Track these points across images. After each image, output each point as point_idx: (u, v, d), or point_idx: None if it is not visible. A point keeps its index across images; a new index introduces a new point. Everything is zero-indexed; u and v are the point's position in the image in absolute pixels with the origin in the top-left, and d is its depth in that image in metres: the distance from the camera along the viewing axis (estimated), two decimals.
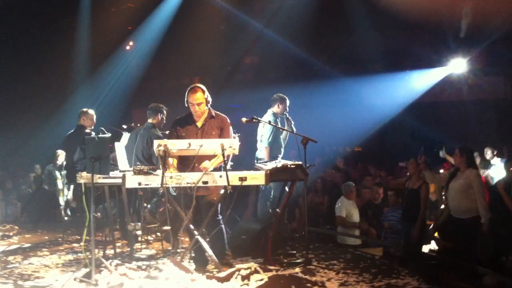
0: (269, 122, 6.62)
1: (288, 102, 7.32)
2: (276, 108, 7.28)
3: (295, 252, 6.37)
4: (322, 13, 12.32)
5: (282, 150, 7.28)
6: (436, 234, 7.52)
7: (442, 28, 12.40)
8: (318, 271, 5.54)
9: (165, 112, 7.28)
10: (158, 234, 7.21)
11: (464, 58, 12.96)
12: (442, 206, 7.87)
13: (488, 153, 9.27)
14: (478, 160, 8.24)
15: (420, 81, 13.59)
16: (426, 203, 7.28)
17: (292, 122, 7.28)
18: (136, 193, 6.55)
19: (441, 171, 8.65)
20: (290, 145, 7.25)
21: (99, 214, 6.49)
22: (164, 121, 7.26)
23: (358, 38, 13.13)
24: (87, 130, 7.42)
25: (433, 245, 7.50)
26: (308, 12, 12.13)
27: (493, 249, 6.68)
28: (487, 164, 9.20)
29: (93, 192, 5.05)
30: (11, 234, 8.34)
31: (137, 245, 6.71)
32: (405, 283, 5.10)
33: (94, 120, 7.70)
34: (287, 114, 7.30)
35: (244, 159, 6.86)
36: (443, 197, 7.73)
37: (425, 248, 7.45)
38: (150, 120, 7.15)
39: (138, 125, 7.43)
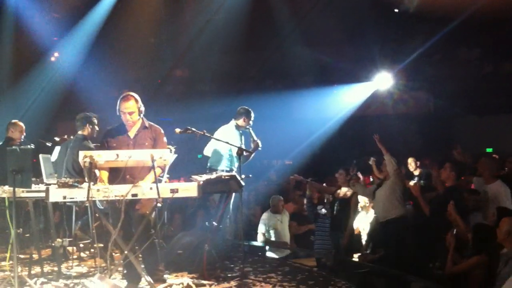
0: (204, 133, 6.36)
1: (253, 115, 7.24)
2: (241, 122, 7.16)
3: (232, 266, 6.30)
4: (252, 26, 12.43)
5: (236, 163, 6.89)
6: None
7: (368, 43, 12.83)
8: (255, 284, 5.50)
9: (95, 121, 6.98)
10: (92, 250, 6.92)
11: (389, 73, 13.42)
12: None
13: (412, 164, 9.59)
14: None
15: (349, 96, 13.95)
16: (355, 213, 7.46)
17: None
18: (66, 208, 6.28)
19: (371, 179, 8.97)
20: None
21: (21, 229, 6.14)
22: (97, 129, 6.98)
23: (288, 52, 13.33)
24: (17, 143, 7.06)
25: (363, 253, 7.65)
26: (238, 25, 12.20)
27: (420, 255, 6.89)
28: (410, 175, 9.52)
29: (14, 206, 4.79)
30: None
31: (69, 263, 6.42)
32: None
33: (24, 132, 7.36)
34: (251, 128, 7.22)
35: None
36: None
37: (356, 257, 7.60)
38: (80, 132, 6.87)
39: (72, 137, 7.10)
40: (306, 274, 6.06)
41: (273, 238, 8.55)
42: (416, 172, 9.50)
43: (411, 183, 7.82)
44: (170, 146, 5.57)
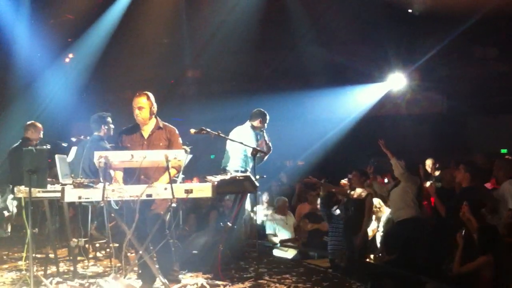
0: (219, 134, 6.35)
1: (268, 118, 7.23)
2: (257, 123, 7.13)
3: (247, 266, 6.30)
4: (265, 26, 12.43)
5: (251, 163, 6.84)
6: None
7: (381, 43, 12.77)
8: (269, 285, 5.49)
9: (110, 120, 7.04)
10: (108, 250, 6.96)
11: (403, 73, 13.35)
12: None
13: (430, 166, 9.52)
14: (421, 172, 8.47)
15: (362, 96, 13.89)
16: (370, 214, 7.44)
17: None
18: (82, 208, 6.33)
19: (385, 180, 8.93)
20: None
21: (36, 229, 6.20)
22: (112, 127, 7.01)
23: (301, 52, 13.31)
24: (33, 143, 7.15)
25: (377, 254, 7.62)
26: (252, 25, 12.20)
27: (433, 256, 6.85)
28: (428, 176, 9.45)
29: (30, 206, 4.83)
30: None
31: (85, 262, 6.48)
32: None
33: (41, 133, 7.45)
34: (265, 131, 7.21)
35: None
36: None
37: (370, 258, 7.58)
38: (96, 133, 6.92)
39: (88, 137, 7.15)
40: (321, 276, 6.04)
41: (281, 238, 8.59)
42: (436, 173, 9.43)
43: (427, 183, 7.77)
44: (185, 147, 5.58)
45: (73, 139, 7.22)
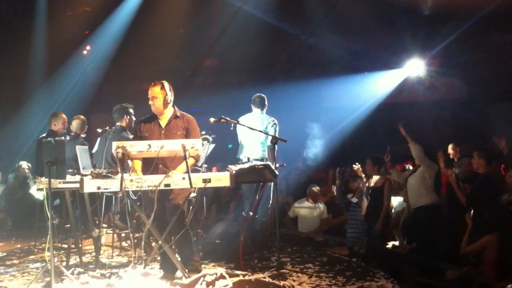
0: (238, 122, 6.27)
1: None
2: (265, 110, 7.07)
3: (270, 255, 6.30)
4: (281, 14, 12.36)
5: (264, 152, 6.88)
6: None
7: (398, 29, 12.62)
8: (291, 275, 5.49)
9: (131, 111, 7.07)
10: (135, 240, 7.03)
11: (420, 60, 13.19)
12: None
13: (451, 152, 9.41)
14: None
15: (380, 83, 13.77)
16: (389, 200, 7.40)
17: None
18: (100, 198, 6.39)
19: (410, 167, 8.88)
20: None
21: (57, 220, 6.27)
22: (134, 119, 7.04)
23: (318, 40, 13.22)
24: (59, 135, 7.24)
25: (397, 242, 7.59)
26: (268, 14, 12.14)
27: (453, 243, 6.81)
28: (451, 162, 9.34)
29: (50, 197, 4.89)
30: None
31: (109, 252, 6.53)
32: (379, 286, 5.10)
33: (66, 123, 7.53)
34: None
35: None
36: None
37: (389, 245, 7.55)
38: (118, 123, 6.96)
39: (113, 128, 7.20)
40: (344, 265, 6.03)
41: (299, 225, 8.59)
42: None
43: (453, 170, 7.69)
44: (207, 136, 5.57)
45: (99, 130, 7.27)
